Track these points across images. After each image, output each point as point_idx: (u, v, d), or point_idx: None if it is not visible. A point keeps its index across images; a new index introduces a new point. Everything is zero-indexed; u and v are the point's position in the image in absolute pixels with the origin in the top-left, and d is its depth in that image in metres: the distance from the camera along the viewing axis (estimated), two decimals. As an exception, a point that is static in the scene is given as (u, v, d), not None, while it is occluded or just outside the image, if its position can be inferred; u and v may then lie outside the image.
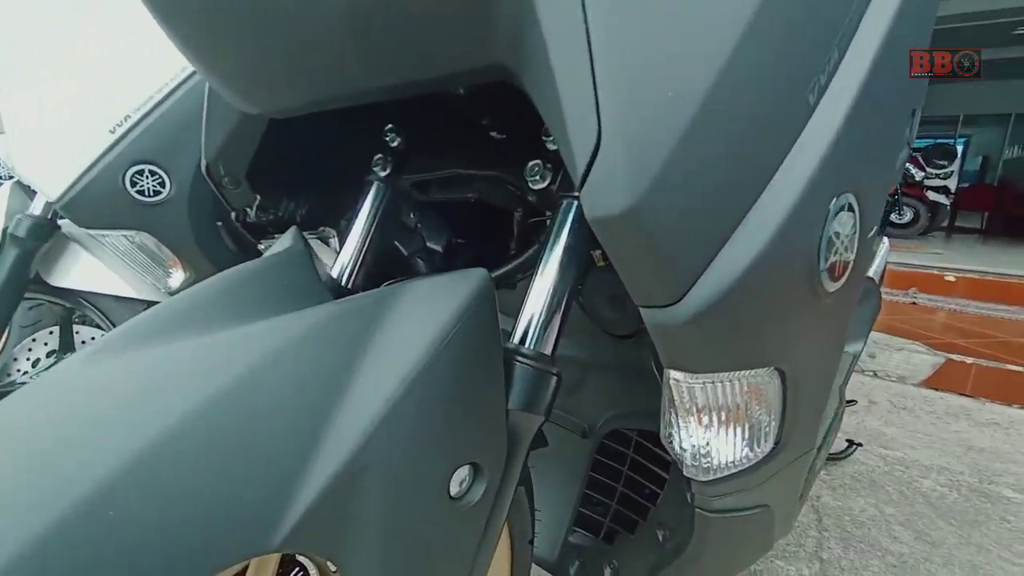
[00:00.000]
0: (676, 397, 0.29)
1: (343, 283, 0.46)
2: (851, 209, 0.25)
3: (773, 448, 0.31)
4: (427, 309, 0.26)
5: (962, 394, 1.69)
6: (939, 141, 7.23)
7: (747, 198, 0.21)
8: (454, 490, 0.26)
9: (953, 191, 6.30)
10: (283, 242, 0.39)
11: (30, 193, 0.80)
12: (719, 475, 0.31)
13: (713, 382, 0.27)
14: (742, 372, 0.27)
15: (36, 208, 0.76)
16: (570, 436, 0.61)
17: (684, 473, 0.33)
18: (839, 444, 1.27)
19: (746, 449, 0.30)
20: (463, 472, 0.27)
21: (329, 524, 0.22)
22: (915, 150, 6.73)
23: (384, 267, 0.51)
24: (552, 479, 0.62)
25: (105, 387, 0.23)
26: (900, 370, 1.80)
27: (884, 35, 0.23)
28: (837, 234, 0.24)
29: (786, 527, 0.54)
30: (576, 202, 0.32)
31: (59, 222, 0.79)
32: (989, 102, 10.28)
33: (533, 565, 0.55)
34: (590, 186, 0.20)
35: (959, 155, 7.59)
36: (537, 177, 0.35)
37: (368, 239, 0.48)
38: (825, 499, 1.10)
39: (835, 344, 0.30)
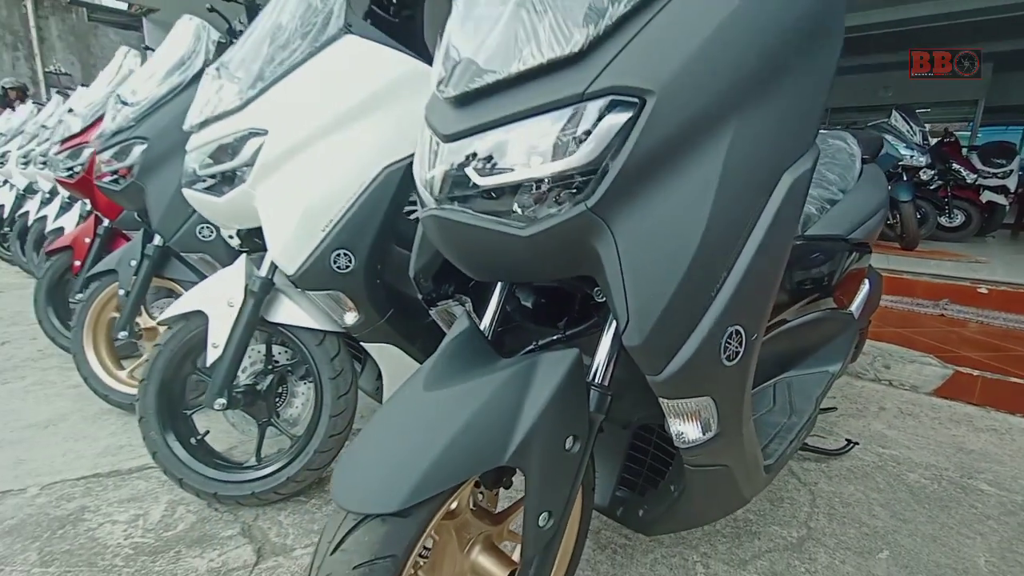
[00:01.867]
0: (664, 408, 0.62)
1: (488, 335, 0.81)
2: (738, 332, 0.57)
3: (716, 434, 0.64)
4: (552, 372, 0.60)
5: (969, 403, 1.89)
6: (1000, 139, 6.91)
7: (685, 336, 0.54)
8: (567, 446, 0.61)
9: (1013, 190, 6.03)
10: (461, 322, 0.74)
11: (256, 263, 1.20)
12: (690, 446, 0.64)
13: (679, 402, 0.60)
14: (692, 399, 0.60)
15: (262, 272, 1.17)
16: (617, 427, 0.94)
17: (675, 444, 0.66)
18: (839, 442, 1.54)
19: (699, 433, 0.63)
20: (570, 439, 0.61)
21: (522, 458, 0.57)
22: (972, 148, 6.46)
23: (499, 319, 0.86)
24: (605, 454, 0.96)
25: (436, 403, 0.59)
26: (913, 380, 2.01)
27: (750, 262, 0.55)
28: (729, 343, 0.56)
29: (753, 486, 0.85)
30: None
31: (273, 279, 1.19)
32: (1066, 90, 9.48)
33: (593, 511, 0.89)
34: (625, 336, 0.54)
35: (1020, 148, 7.13)
36: (600, 294, 0.69)
37: (499, 309, 0.83)
38: (821, 485, 1.38)
39: (741, 385, 0.62)
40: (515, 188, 0.54)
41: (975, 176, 5.54)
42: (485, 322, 0.82)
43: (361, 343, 1.22)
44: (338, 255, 1.06)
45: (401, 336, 1.22)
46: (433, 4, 1.24)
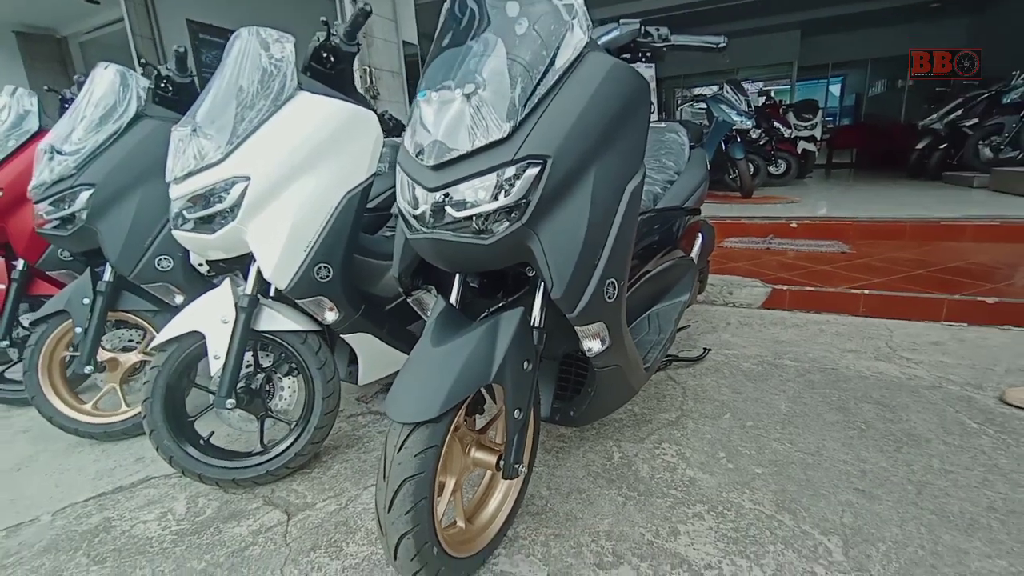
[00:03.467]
0: (579, 333, 1.03)
1: (457, 307, 1.16)
2: (613, 282, 0.98)
3: (609, 346, 1.06)
4: (510, 323, 0.98)
5: (783, 309, 2.62)
6: (806, 97, 8.42)
7: (584, 287, 0.93)
8: (524, 367, 1.00)
9: (820, 138, 7.49)
10: (439, 303, 1.09)
11: (240, 283, 1.42)
12: (595, 354, 1.06)
13: (586, 328, 1.02)
14: (594, 324, 1.01)
15: (247, 290, 1.39)
16: (549, 360, 1.36)
17: (587, 356, 1.08)
18: (699, 351, 2.13)
19: (600, 346, 1.05)
20: (526, 362, 1.00)
21: (500, 376, 0.94)
22: (790, 107, 7.83)
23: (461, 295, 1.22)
24: (544, 381, 1.37)
25: (441, 353, 0.94)
26: (747, 299, 2.71)
27: (614, 239, 0.96)
28: (608, 289, 0.98)
29: (638, 380, 1.32)
30: (544, 278, 1.06)
31: (257, 295, 1.42)
32: (852, 50, 11.63)
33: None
34: (552, 292, 0.92)
35: (828, 98, 8.64)
36: (531, 271, 1.08)
37: (460, 291, 1.18)
38: (689, 382, 1.94)
39: (619, 313, 1.05)
40: (476, 216, 0.90)
41: (791, 131, 6.79)
42: (452, 300, 1.18)
43: (340, 335, 1.51)
44: (319, 268, 1.33)
45: (373, 324, 1.52)
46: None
